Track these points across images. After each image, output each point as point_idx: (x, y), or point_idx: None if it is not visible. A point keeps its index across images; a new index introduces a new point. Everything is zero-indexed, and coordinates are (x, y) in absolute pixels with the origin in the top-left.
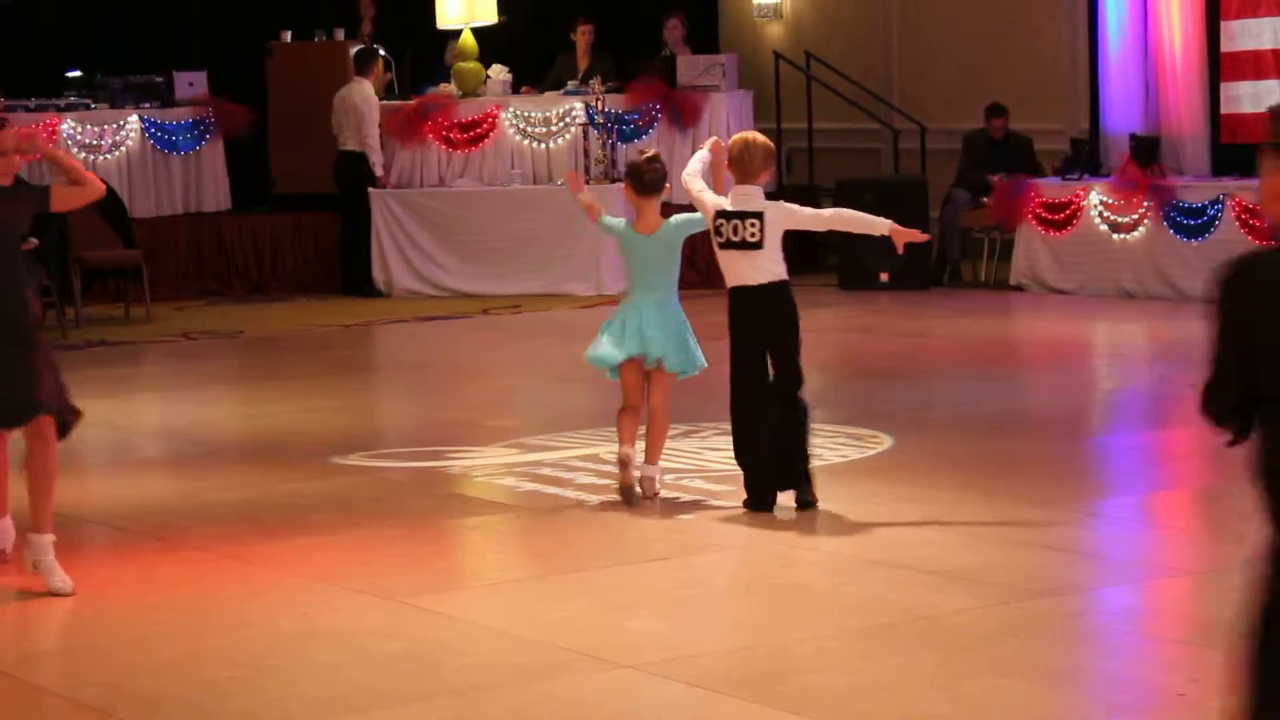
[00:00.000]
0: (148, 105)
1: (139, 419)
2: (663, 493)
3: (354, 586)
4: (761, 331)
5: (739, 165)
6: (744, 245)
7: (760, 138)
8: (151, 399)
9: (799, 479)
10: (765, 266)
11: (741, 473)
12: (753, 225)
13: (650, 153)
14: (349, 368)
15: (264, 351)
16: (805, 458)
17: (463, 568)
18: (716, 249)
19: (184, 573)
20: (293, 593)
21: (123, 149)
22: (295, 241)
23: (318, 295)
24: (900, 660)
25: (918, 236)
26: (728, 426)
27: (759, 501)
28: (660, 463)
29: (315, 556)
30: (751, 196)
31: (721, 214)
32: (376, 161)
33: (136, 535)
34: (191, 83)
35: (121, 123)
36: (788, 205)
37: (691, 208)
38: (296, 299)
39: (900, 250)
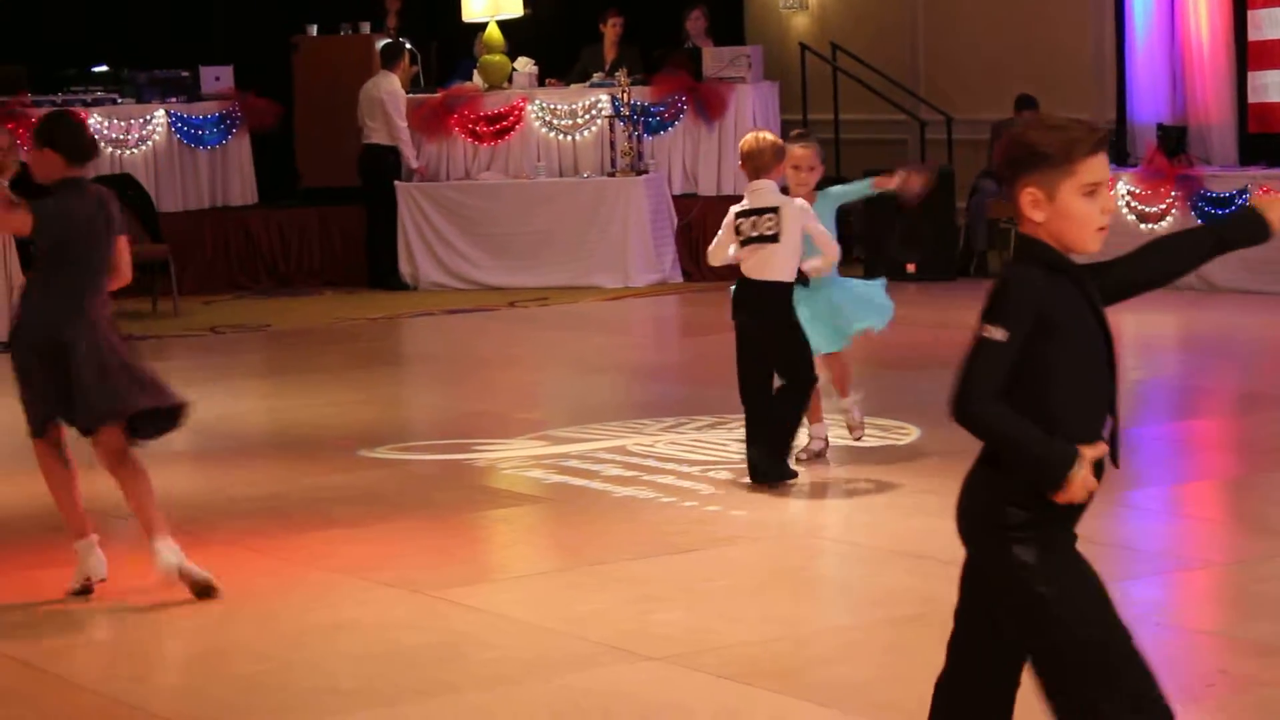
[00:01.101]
0: (174, 100)
1: None
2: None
3: (381, 579)
4: (755, 327)
5: (750, 162)
6: (762, 239)
7: (768, 135)
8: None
9: (764, 454)
10: (776, 264)
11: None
12: (770, 220)
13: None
14: (375, 361)
15: (291, 345)
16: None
17: (489, 560)
18: (737, 247)
19: (211, 566)
20: (320, 586)
21: (149, 144)
22: (322, 235)
23: (344, 289)
24: (927, 652)
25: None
26: None
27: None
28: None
29: (342, 549)
30: (765, 191)
31: (740, 214)
32: (409, 154)
33: None
34: (218, 77)
35: (148, 117)
36: (805, 206)
37: (841, 180)
38: (323, 292)
39: (911, 190)
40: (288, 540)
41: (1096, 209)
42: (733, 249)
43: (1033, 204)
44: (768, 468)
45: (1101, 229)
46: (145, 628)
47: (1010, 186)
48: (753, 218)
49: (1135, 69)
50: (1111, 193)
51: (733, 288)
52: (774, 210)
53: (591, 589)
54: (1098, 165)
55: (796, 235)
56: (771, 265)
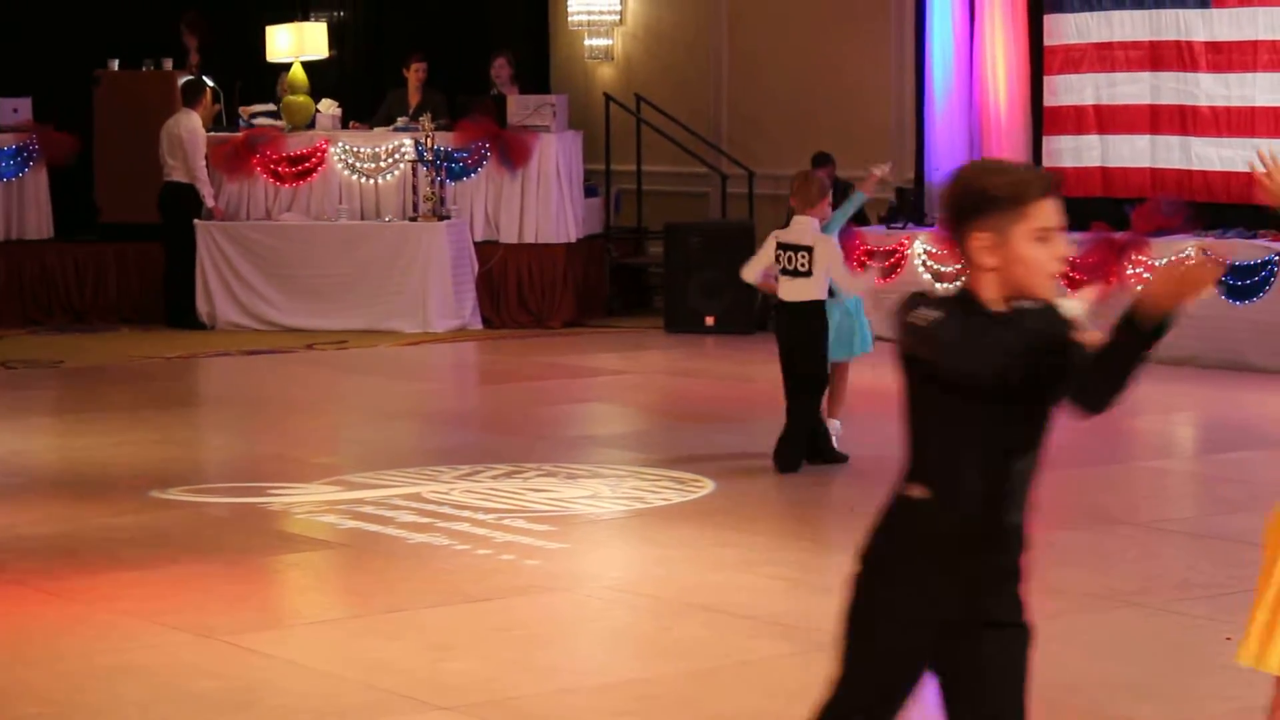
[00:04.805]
0: None
1: None
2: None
3: (170, 623)
4: (791, 339)
5: (800, 196)
6: (796, 274)
7: (818, 174)
8: None
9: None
10: (808, 290)
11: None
12: (803, 257)
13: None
14: (171, 400)
15: (85, 382)
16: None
17: (282, 605)
18: (778, 273)
19: None
20: (107, 628)
21: None
22: (119, 272)
23: (141, 326)
24: (720, 705)
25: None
26: (550, 469)
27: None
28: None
29: (132, 592)
30: (805, 228)
31: (781, 245)
32: (207, 193)
33: None
34: (16, 109)
35: None
36: (834, 248)
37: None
38: (119, 330)
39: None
40: (76, 581)
41: (1049, 254)
42: (757, 274)
43: (984, 249)
44: (792, 460)
45: (1055, 275)
46: None
47: (959, 234)
48: (789, 253)
49: (934, 130)
50: (910, 251)
51: (773, 307)
52: (808, 250)
53: (384, 636)
54: (1050, 210)
55: (824, 270)
56: (804, 291)
